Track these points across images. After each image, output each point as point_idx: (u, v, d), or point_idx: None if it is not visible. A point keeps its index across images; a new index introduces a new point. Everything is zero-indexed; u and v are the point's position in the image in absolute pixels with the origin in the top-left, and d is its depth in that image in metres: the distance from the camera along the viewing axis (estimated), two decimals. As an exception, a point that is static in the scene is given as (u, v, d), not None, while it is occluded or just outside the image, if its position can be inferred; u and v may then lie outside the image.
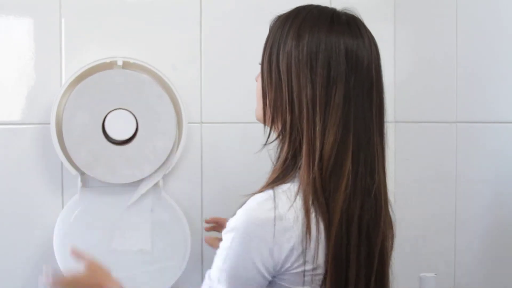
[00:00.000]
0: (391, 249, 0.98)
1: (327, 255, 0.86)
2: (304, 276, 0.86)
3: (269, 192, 0.88)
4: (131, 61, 1.29)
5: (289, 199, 0.87)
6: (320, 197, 0.87)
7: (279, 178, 0.91)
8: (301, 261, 0.86)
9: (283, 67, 0.90)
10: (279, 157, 0.93)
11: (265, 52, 0.95)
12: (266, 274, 0.87)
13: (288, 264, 0.86)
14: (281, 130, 0.93)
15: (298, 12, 0.93)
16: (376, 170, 0.90)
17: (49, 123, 1.25)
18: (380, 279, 0.93)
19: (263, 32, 1.39)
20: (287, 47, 0.90)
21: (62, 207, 1.30)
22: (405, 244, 1.53)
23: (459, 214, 1.39)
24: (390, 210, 0.96)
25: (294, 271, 0.86)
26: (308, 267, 0.86)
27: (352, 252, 0.88)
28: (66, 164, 1.26)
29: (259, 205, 0.87)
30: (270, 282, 0.88)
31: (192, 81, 1.37)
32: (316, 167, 0.87)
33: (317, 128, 0.87)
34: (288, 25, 0.92)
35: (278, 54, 0.91)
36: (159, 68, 1.30)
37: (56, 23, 1.29)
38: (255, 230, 0.85)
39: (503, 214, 1.35)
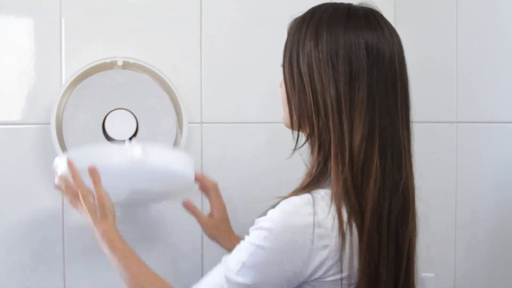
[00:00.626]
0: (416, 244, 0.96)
1: (360, 257, 0.85)
2: (341, 285, 0.85)
3: (307, 196, 0.86)
4: (131, 61, 1.28)
5: (327, 205, 0.85)
6: (352, 198, 0.86)
7: (313, 182, 0.90)
8: (335, 269, 0.85)
9: (304, 69, 0.90)
10: (312, 161, 0.92)
11: (285, 56, 0.94)
12: (293, 279, 0.85)
13: (321, 273, 0.85)
14: (309, 133, 0.92)
15: (314, 12, 0.93)
16: (403, 165, 0.90)
17: (49, 123, 1.25)
18: (407, 277, 0.92)
19: (264, 32, 1.40)
20: (306, 48, 0.90)
21: (62, 207, 1.30)
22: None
23: (459, 214, 1.40)
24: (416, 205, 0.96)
25: (328, 279, 0.85)
26: (345, 274, 0.85)
27: (382, 251, 0.87)
28: (66, 164, 1.26)
29: (298, 209, 0.85)
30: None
31: (193, 81, 1.37)
32: (346, 167, 0.86)
33: (344, 127, 0.86)
34: (305, 27, 0.91)
35: (298, 57, 0.91)
36: (159, 68, 1.30)
37: (56, 23, 1.29)
38: (292, 235, 0.84)
39: (504, 214, 1.35)
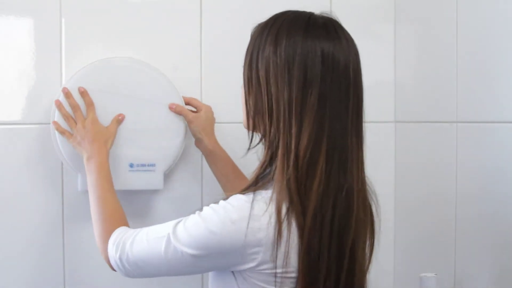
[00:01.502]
0: (370, 249, 0.99)
1: (299, 255, 0.90)
2: (275, 277, 0.90)
3: (250, 195, 0.91)
4: (131, 61, 1.29)
5: (265, 204, 0.90)
6: (294, 198, 0.89)
7: (258, 181, 0.94)
8: (269, 264, 0.89)
9: (262, 73, 0.93)
10: (260, 160, 0.97)
11: (245, 59, 0.98)
12: (225, 263, 0.92)
13: (253, 264, 0.90)
14: (262, 134, 0.96)
15: (276, 19, 0.96)
16: (348, 169, 0.93)
17: (49, 123, 1.25)
18: (350, 278, 0.94)
19: (263, 32, 1.40)
20: (265, 52, 0.93)
21: (62, 207, 1.31)
22: (405, 244, 1.53)
23: (460, 214, 1.40)
24: (370, 211, 0.99)
25: (264, 271, 0.90)
26: (279, 270, 0.89)
27: (323, 251, 0.90)
28: (66, 164, 1.26)
29: (238, 204, 0.90)
30: (242, 276, 0.92)
31: (193, 81, 1.37)
32: (291, 168, 0.90)
33: (293, 130, 0.90)
34: (266, 32, 0.95)
35: (257, 61, 0.94)
36: (160, 68, 1.30)
37: (56, 23, 1.29)
38: (229, 226, 0.89)
39: (504, 214, 1.35)
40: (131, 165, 1.26)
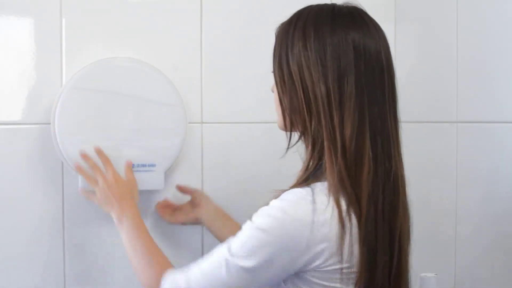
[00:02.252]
0: (409, 232, 0.99)
1: (359, 245, 0.89)
2: (341, 273, 0.89)
3: (307, 188, 0.90)
4: (132, 61, 1.29)
5: (326, 196, 0.89)
6: (347, 188, 0.89)
7: (309, 177, 0.94)
8: (336, 258, 0.88)
9: (294, 69, 0.93)
10: (306, 157, 0.96)
11: (274, 59, 0.98)
12: (289, 267, 0.89)
13: (320, 262, 0.88)
14: (302, 131, 0.96)
15: (299, 15, 0.97)
16: (392, 154, 0.93)
17: (49, 123, 1.25)
18: (399, 264, 0.95)
19: (264, 32, 1.39)
20: (295, 49, 0.93)
21: (63, 207, 1.30)
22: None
23: (460, 214, 1.40)
24: (407, 193, 0.99)
25: (328, 268, 0.89)
26: (345, 264, 0.88)
27: (379, 238, 0.91)
28: (67, 164, 1.26)
29: (298, 199, 0.89)
30: (300, 277, 0.90)
31: (193, 81, 1.37)
32: (339, 159, 0.90)
33: (335, 121, 0.90)
34: (292, 29, 0.95)
35: (287, 58, 0.94)
36: (160, 68, 1.30)
37: (56, 23, 1.29)
38: (292, 224, 0.87)
39: (504, 214, 1.35)
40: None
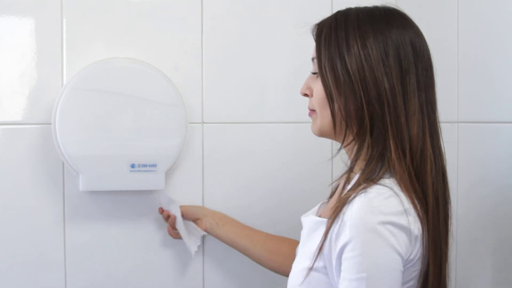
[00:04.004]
0: None
1: (429, 241, 0.91)
2: (421, 263, 0.91)
3: (386, 188, 0.90)
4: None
5: (403, 193, 0.90)
6: (416, 186, 0.92)
7: (372, 177, 0.93)
8: (421, 251, 0.90)
9: (352, 69, 0.93)
10: (356, 159, 0.96)
11: (324, 61, 0.97)
12: (402, 267, 0.89)
13: (413, 255, 0.90)
14: (357, 131, 0.96)
15: (346, 16, 0.98)
16: (441, 148, 0.97)
17: (50, 123, 1.25)
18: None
19: (265, 32, 1.40)
20: (352, 50, 0.94)
21: (64, 207, 1.31)
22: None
23: (460, 214, 1.40)
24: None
25: (415, 260, 0.90)
26: (425, 253, 0.91)
27: (442, 232, 0.94)
28: (67, 164, 1.26)
29: (387, 202, 0.88)
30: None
31: (194, 81, 1.36)
32: (408, 158, 0.92)
33: (402, 120, 0.92)
34: (343, 31, 0.96)
35: (343, 59, 0.94)
36: (160, 68, 1.30)
37: (57, 23, 1.29)
38: (395, 225, 0.87)
39: (505, 214, 1.35)
40: (132, 166, 1.26)
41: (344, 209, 0.89)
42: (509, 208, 1.35)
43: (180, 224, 1.30)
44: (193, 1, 1.36)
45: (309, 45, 1.43)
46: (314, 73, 1.01)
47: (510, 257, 1.35)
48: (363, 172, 0.94)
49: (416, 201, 0.90)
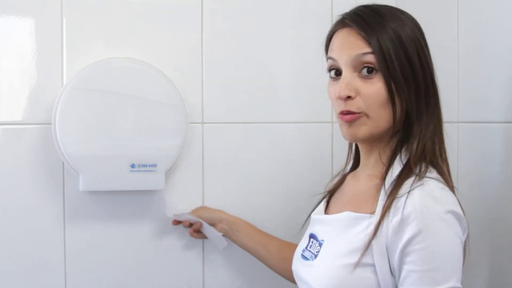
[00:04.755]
0: None
1: None
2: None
3: (437, 182, 0.92)
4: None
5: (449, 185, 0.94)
6: (449, 179, 0.97)
7: (418, 172, 0.94)
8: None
9: (413, 58, 0.95)
10: (395, 154, 0.98)
11: (386, 59, 0.93)
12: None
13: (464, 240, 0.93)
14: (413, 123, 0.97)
15: (377, 10, 0.97)
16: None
17: (50, 123, 1.25)
18: None
19: (265, 32, 1.40)
20: (407, 40, 0.95)
21: (64, 207, 1.31)
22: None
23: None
24: None
25: None
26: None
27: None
28: (67, 164, 1.26)
29: (446, 193, 0.91)
30: None
31: (194, 81, 1.36)
32: (444, 149, 1.00)
33: (441, 112, 1.00)
34: (390, 21, 0.95)
35: (408, 55, 0.95)
36: (161, 68, 1.30)
37: (57, 23, 1.29)
38: (456, 213, 0.89)
39: (505, 214, 1.35)
40: (133, 166, 1.26)
41: (400, 203, 0.88)
42: (509, 208, 1.34)
43: (206, 228, 1.31)
44: (193, 1, 1.36)
45: (309, 45, 1.43)
46: (364, 71, 0.94)
47: (510, 257, 1.34)
48: (406, 167, 0.94)
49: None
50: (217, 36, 1.37)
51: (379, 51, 0.93)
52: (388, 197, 0.90)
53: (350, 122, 0.95)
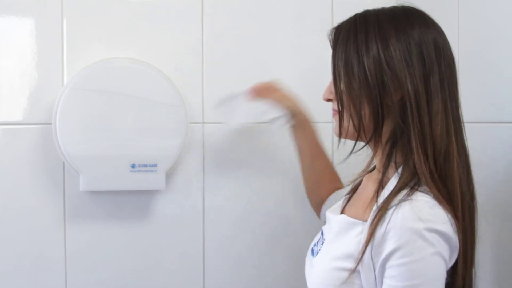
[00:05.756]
0: None
1: (460, 239, 0.91)
2: (457, 267, 0.91)
3: (427, 199, 0.89)
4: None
5: (440, 202, 0.89)
6: (441, 188, 0.90)
7: (410, 184, 0.91)
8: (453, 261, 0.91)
9: (370, 72, 0.92)
10: (389, 163, 0.95)
11: (339, 66, 0.96)
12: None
13: (449, 265, 0.90)
14: (372, 136, 0.95)
15: (365, 17, 0.96)
16: (465, 146, 0.96)
17: (51, 123, 1.25)
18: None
19: (265, 32, 1.40)
20: (372, 52, 0.92)
21: (64, 207, 1.31)
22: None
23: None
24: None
25: (452, 264, 0.91)
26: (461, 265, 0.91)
27: (473, 227, 0.94)
28: (68, 164, 1.26)
29: (432, 210, 0.88)
30: None
31: (194, 81, 1.37)
32: (430, 158, 0.90)
33: (425, 120, 0.91)
34: (362, 33, 0.94)
35: (361, 62, 0.93)
36: (161, 68, 1.30)
37: (58, 23, 1.29)
38: (444, 234, 0.87)
39: (505, 214, 1.35)
40: (133, 166, 1.26)
41: (386, 216, 0.88)
42: (510, 208, 1.34)
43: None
44: (193, 1, 1.36)
45: (309, 45, 1.43)
46: None
47: (510, 258, 1.34)
48: (402, 177, 0.92)
49: (451, 211, 0.90)
50: (217, 36, 1.38)
51: (333, 59, 0.97)
52: (379, 208, 0.90)
53: (334, 118, 1.02)
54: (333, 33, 0.99)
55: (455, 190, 0.91)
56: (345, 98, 0.96)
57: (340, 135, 1.01)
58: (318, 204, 1.28)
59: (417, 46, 0.92)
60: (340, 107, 0.97)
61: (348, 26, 0.97)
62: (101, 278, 1.33)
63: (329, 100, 1.03)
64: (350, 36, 0.95)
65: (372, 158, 1.07)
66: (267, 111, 1.25)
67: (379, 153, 0.99)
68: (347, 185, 1.16)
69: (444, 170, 0.91)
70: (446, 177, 0.91)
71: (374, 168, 1.08)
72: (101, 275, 1.33)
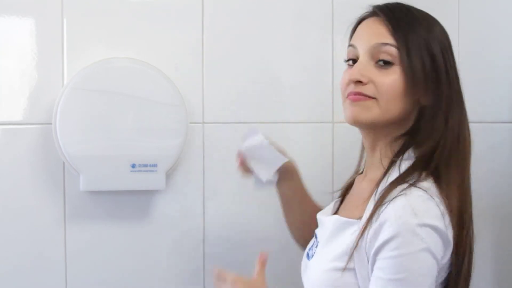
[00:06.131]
0: None
1: (461, 242, 0.93)
2: (455, 264, 0.92)
3: (422, 192, 0.89)
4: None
5: (437, 195, 0.90)
6: (445, 187, 0.93)
7: (412, 179, 0.92)
8: (449, 259, 0.91)
9: (437, 56, 0.95)
10: (402, 154, 0.96)
11: (410, 47, 0.94)
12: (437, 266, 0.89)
13: (444, 261, 0.90)
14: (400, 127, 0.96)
15: (401, 5, 0.99)
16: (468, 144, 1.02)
17: (51, 123, 1.25)
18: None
19: (266, 32, 1.40)
20: (434, 34, 0.96)
21: (64, 207, 1.30)
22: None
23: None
24: None
25: (446, 261, 0.91)
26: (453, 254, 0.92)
27: (471, 237, 0.97)
28: (68, 164, 1.26)
29: (425, 204, 0.88)
30: None
31: (194, 81, 1.36)
32: (447, 150, 0.96)
33: (464, 105, 0.99)
34: (421, 17, 0.97)
35: (428, 45, 0.95)
36: (161, 68, 1.30)
37: (58, 23, 1.29)
38: (435, 228, 0.87)
39: (504, 213, 1.35)
40: (133, 166, 1.26)
41: (381, 209, 0.88)
42: (509, 208, 1.35)
43: (266, 146, 1.16)
44: (193, 1, 1.36)
45: (310, 45, 1.43)
46: (381, 62, 0.94)
47: (510, 256, 1.35)
48: (406, 172, 0.93)
49: (448, 205, 0.90)
50: (218, 36, 1.37)
51: (403, 46, 0.93)
52: (376, 203, 0.90)
53: (357, 102, 0.94)
54: (385, 11, 0.97)
55: (465, 181, 0.96)
56: (415, 77, 0.93)
57: (370, 123, 0.95)
58: (306, 242, 1.18)
59: (447, 39, 1.00)
60: (408, 95, 0.94)
61: (400, 9, 0.97)
62: (101, 278, 1.33)
63: (359, 82, 0.94)
64: (410, 23, 0.95)
65: (362, 159, 1.08)
66: (277, 158, 1.18)
67: (382, 150, 0.98)
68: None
69: (457, 161, 0.95)
70: (463, 165, 0.96)
71: (362, 171, 1.08)
72: (101, 275, 1.33)
